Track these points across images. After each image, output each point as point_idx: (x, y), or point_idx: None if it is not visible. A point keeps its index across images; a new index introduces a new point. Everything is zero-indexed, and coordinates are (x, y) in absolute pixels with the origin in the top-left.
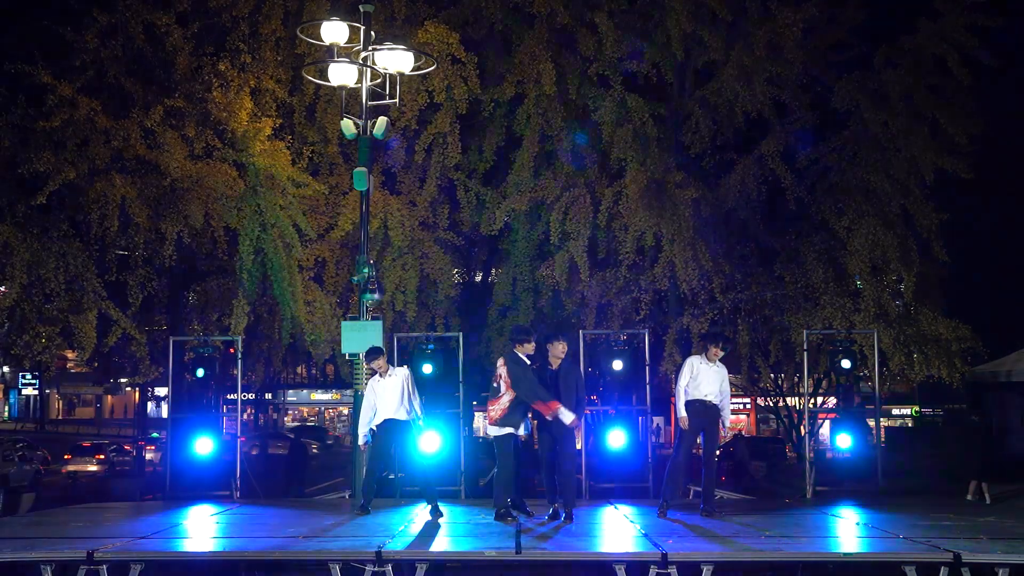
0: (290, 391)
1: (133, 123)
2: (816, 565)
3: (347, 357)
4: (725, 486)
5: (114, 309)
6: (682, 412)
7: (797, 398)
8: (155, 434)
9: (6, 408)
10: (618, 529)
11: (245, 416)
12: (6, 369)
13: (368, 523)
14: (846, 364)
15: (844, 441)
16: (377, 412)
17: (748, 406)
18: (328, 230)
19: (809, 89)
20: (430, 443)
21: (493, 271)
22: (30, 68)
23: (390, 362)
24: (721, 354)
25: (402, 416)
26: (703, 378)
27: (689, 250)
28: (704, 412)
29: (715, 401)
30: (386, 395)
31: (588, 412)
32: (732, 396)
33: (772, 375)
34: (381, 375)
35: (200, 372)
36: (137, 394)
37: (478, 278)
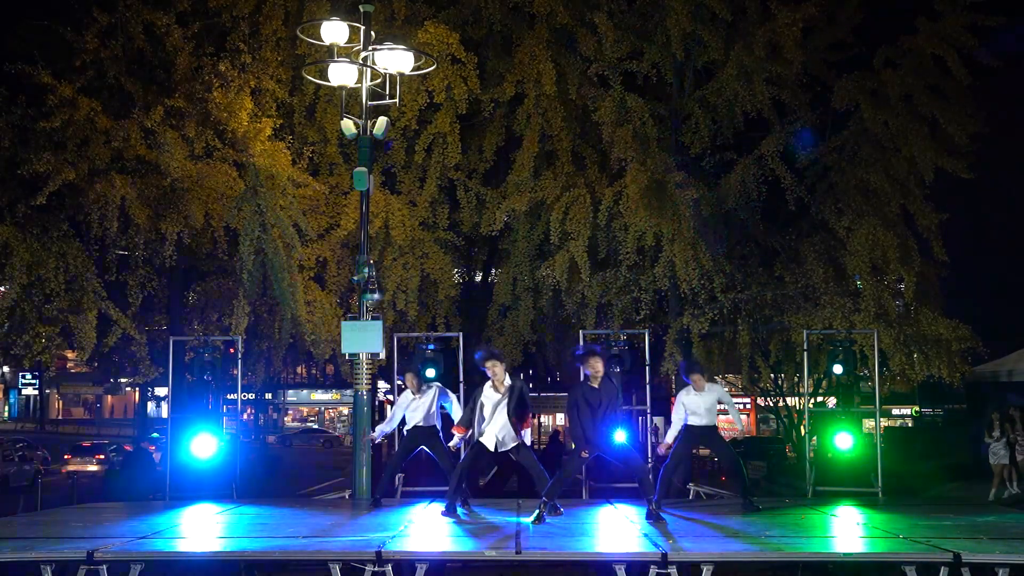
0: (290, 391)
1: (133, 123)
2: (816, 565)
3: (347, 357)
4: (725, 486)
5: (114, 309)
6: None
7: (797, 398)
8: (155, 434)
9: (6, 408)
10: (618, 529)
11: (245, 416)
12: (6, 369)
13: (368, 523)
14: (838, 369)
15: (842, 441)
16: (408, 420)
17: (748, 406)
18: (329, 230)
19: (809, 89)
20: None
21: (493, 271)
22: (30, 68)
23: (390, 359)
24: (704, 382)
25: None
26: (692, 407)
27: (689, 250)
28: (699, 434)
29: (706, 423)
30: (418, 410)
31: None
32: (733, 396)
33: (772, 375)
34: (413, 393)
35: (201, 372)
36: (137, 394)
37: (478, 278)
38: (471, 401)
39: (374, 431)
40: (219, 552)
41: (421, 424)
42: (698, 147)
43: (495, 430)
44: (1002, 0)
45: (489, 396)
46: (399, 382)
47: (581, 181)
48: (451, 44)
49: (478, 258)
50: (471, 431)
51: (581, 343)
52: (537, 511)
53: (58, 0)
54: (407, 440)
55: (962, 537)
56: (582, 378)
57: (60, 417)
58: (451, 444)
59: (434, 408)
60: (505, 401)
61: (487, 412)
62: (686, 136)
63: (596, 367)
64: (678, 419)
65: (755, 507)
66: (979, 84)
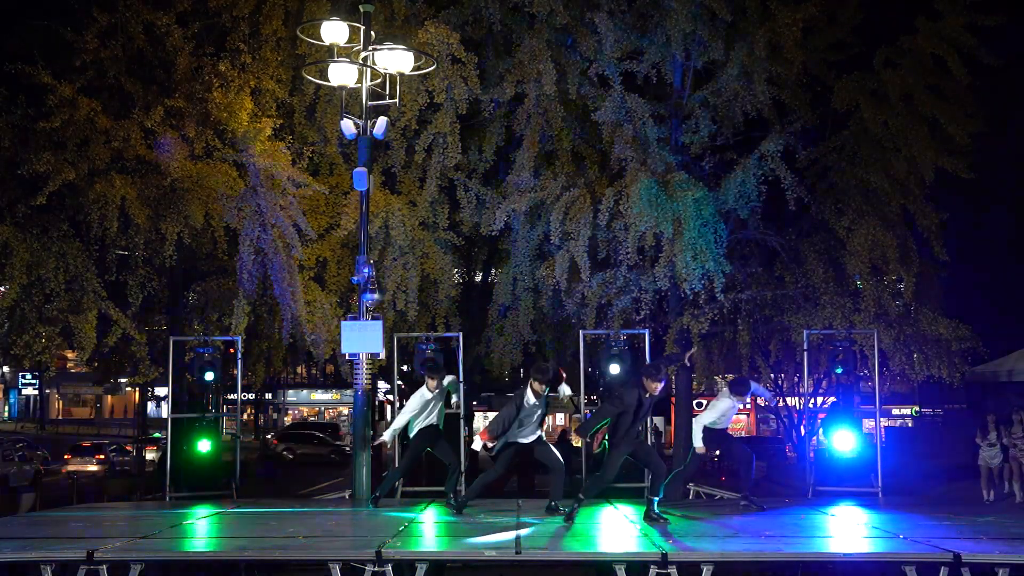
0: (290, 391)
1: (133, 123)
2: (816, 565)
3: (347, 357)
4: (725, 486)
5: (114, 309)
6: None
7: (797, 398)
8: (156, 434)
9: (6, 408)
10: (618, 529)
11: (245, 416)
12: (6, 369)
13: (368, 523)
14: (838, 369)
15: (842, 440)
16: (420, 419)
17: (748, 406)
18: (329, 230)
19: (809, 89)
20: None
21: (493, 271)
22: (30, 68)
23: (390, 359)
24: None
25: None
26: (725, 411)
27: (689, 250)
28: (720, 437)
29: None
30: (434, 406)
31: (588, 412)
32: None
33: (772, 375)
34: (431, 391)
35: (201, 372)
36: (137, 394)
37: (478, 278)
38: (510, 412)
39: (384, 434)
40: (219, 552)
41: (434, 423)
42: (698, 147)
43: (530, 433)
44: (1002, 0)
45: (530, 406)
46: (399, 383)
47: (581, 181)
48: (451, 44)
49: (478, 258)
50: (499, 439)
51: (658, 360)
52: (569, 509)
53: (58, 0)
54: (420, 441)
55: (962, 537)
56: (635, 384)
57: (60, 417)
58: (477, 447)
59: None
60: (542, 407)
61: (524, 416)
62: (686, 136)
63: (656, 388)
64: (711, 420)
65: (757, 507)
66: (979, 84)
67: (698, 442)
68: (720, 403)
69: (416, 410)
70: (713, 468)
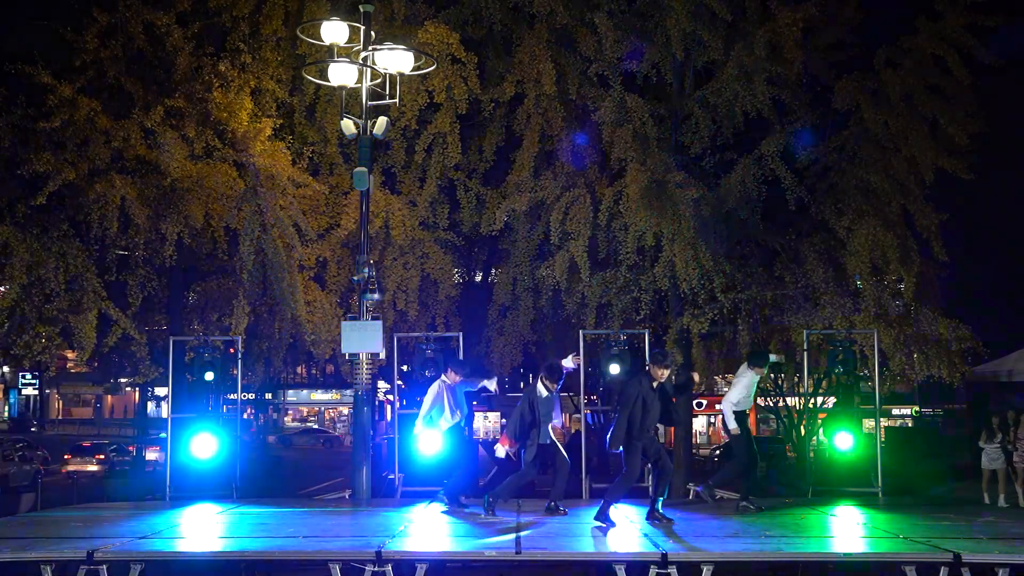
0: (290, 391)
1: (133, 123)
2: (816, 565)
3: (347, 357)
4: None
5: (114, 309)
6: (733, 423)
7: (797, 398)
8: (162, 434)
9: (6, 408)
10: (618, 529)
11: (245, 416)
12: (6, 369)
13: (368, 523)
14: (838, 369)
15: (842, 440)
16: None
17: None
18: (329, 230)
19: (809, 89)
20: (430, 444)
21: (493, 271)
22: (30, 68)
23: (390, 359)
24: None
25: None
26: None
27: (689, 250)
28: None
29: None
30: (454, 401)
31: (588, 412)
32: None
33: (772, 375)
34: (448, 379)
35: (201, 372)
36: (137, 394)
37: (478, 278)
38: (524, 410)
39: (417, 427)
40: (219, 552)
41: (459, 421)
42: (698, 147)
43: (547, 428)
44: (1002, 0)
45: (544, 401)
46: (399, 383)
47: (581, 181)
48: (451, 44)
49: (478, 258)
50: (519, 439)
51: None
52: (599, 508)
53: (58, 0)
54: (457, 439)
55: (962, 537)
56: (642, 374)
57: (60, 417)
58: (501, 454)
59: None
60: (558, 400)
61: (542, 413)
62: (686, 136)
63: (663, 375)
64: (737, 399)
65: (756, 508)
66: (979, 84)
67: (732, 423)
68: (741, 379)
69: (434, 399)
70: (713, 468)
